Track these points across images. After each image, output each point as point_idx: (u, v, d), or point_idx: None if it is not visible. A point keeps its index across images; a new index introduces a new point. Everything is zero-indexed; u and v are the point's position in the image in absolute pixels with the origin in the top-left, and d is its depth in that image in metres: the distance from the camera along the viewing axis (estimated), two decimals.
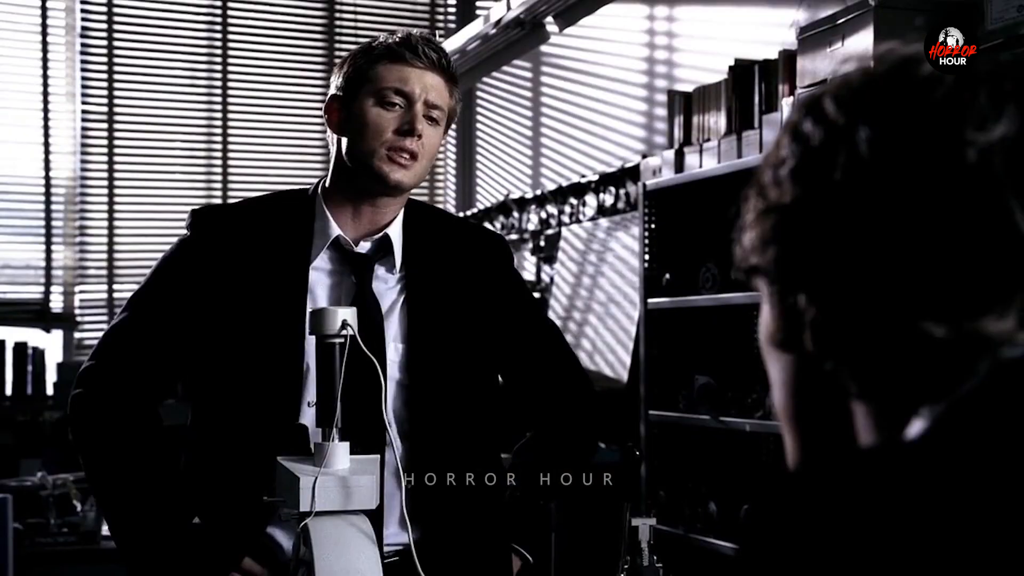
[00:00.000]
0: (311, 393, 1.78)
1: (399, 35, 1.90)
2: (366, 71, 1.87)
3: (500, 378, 2.04)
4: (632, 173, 4.35)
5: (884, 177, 0.69)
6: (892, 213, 0.69)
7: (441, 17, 6.41)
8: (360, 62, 1.89)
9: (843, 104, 0.73)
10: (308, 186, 1.99)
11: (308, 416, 1.78)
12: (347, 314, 1.64)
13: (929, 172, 0.69)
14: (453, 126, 2.08)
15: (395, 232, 1.93)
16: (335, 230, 1.90)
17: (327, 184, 1.93)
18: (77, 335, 5.74)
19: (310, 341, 1.77)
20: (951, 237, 0.68)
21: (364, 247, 1.91)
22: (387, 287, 1.91)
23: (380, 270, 1.92)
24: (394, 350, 1.88)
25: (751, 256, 0.76)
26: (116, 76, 5.83)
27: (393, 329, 1.89)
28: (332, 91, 1.92)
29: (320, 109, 2.11)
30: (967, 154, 0.68)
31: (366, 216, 1.91)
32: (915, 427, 0.69)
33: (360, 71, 1.88)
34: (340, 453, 1.61)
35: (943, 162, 0.68)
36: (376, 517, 1.67)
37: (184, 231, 1.95)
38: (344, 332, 1.64)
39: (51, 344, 5.59)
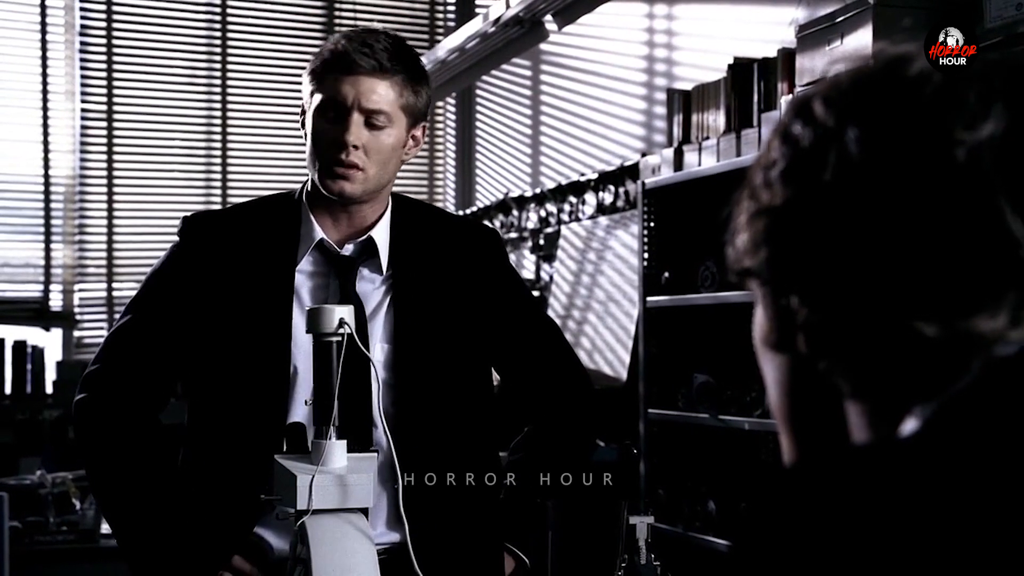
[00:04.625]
0: (300, 393, 1.79)
1: (336, 42, 1.87)
2: (310, 84, 1.88)
3: (496, 374, 2.03)
4: (631, 171, 4.35)
5: (874, 177, 0.69)
6: (882, 213, 0.69)
7: (440, 15, 6.41)
8: (308, 75, 1.89)
9: (832, 105, 0.73)
10: (294, 189, 1.98)
11: (306, 415, 1.78)
12: (344, 312, 1.65)
13: (919, 171, 0.69)
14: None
15: (380, 233, 1.92)
16: (319, 233, 1.89)
17: (309, 188, 1.93)
18: (76, 333, 5.74)
19: (297, 342, 1.78)
20: (941, 236, 0.68)
21: (349, 249, 1.91)
22: (373, 288, 1.91)
23: (366, 271, 1.91)
24: (380, 350, 1.87)
25: (744, 258, 0.76)
26: (116, 75, 5.83)
27: (379, 330, 1.88)
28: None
29: None
30: (956, 153, 0.68)
31: (344, 220, 1.91)
32: (908, 426, 0.69)
33: (307, 84, 1.89)
34: (337, 451, 1.61)
35: (932, 161, 0.68)
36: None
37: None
38: (341, 330, 1.64)
39: (50, 343, 5.59)
